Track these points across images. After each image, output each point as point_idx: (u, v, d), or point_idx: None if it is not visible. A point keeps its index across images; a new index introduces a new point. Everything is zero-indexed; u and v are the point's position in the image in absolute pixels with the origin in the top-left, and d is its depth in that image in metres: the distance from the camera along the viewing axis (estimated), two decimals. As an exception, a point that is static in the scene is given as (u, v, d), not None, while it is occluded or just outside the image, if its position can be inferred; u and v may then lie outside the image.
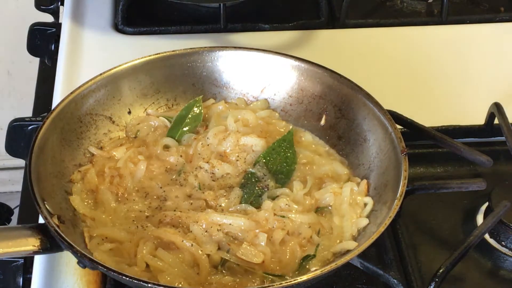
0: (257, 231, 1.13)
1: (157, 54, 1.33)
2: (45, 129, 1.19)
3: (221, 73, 1.35)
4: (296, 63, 1.33)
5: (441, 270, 1.11)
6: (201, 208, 1.18)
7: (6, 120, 1.59)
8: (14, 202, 2.31)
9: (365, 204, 1.18)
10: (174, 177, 1.23)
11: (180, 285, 1.07)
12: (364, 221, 1.16)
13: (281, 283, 1.02)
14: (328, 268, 1.04)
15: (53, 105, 1.46)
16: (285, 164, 1.25)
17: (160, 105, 1.34)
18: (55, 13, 1.89)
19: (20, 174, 1.95)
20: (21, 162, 1.68)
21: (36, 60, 1.86)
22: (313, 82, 1.32)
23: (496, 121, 1.35)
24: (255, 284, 1.08)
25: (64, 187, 1.19)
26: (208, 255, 1.11)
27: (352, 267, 1.14)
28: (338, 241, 1.14)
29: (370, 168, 1.23)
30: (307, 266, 1.11)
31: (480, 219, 1.26)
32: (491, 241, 1.23)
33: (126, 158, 1.24)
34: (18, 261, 1.28)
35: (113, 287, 1.14)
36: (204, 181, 1.22)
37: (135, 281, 1.01)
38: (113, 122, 1.30)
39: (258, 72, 1.35)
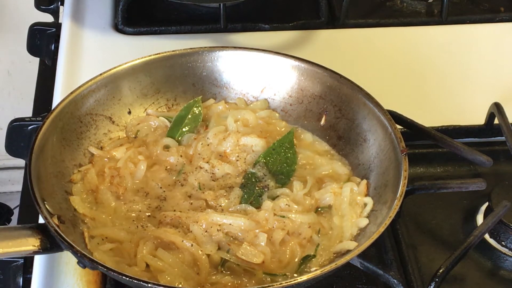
0: (257, 231, 1.13)
1: (157, 54, 1.33)
2: (45, 129, 1.19)
3: (221, 73, 1.35)
4: (296, 63, 1.33)
5: (441, 270, 1.12)
6: (201, 208, 1.18)
7: (6, 120, 1.59)
8: (14, 202, 2.31)
9: (365, 204, 1.18)
10: (174, 177, 1.23)
11: (180, 285, 1.07)
12: (364, 221, 1.16)
13: (281, 283, 1.02)
14: (328, 268, 1.04)
15: (53, 105, 1.46)
16: (285, 164, 1.25)
17: (160, 105, 1.34)
18: (55, 13, 1.89)
19: (20, 174, 1.96)
20: (21, 162, 1.68)
21: (36, 60, 1.86)
22: (313, 82, 1.32)
23: (496, 121, 1.35)
24: (255, 284, 1.08)
25: (64, 187, 1.19)
26: (208, 255, 1.11)
27: (352, 267, 1.14)
28: (338, 241, 1.14)
29: (370, 168, 1.23)
30: (307, 266, 1.11)
31: (480, 219, 1.26)
32: (491, 241, 1.23)
33: (126, 158, 1.24)
34: (18, 261, 1.28)
35: (113, 287, 1.14)
36: (204, 181, 1.22)
37: (135, 281, 1.01)
38: (113, 122, 1.30)
39: (258, 72, 1.35)
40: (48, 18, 1.89)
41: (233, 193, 1.20)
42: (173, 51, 1.34)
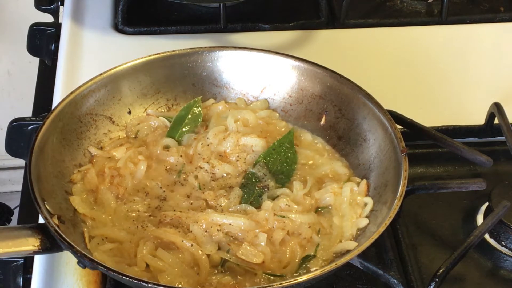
0: (257, 231, 1.13)
1: (157, 54, 1.33)
2: (45, 129, 1.19)
3: (221, 73, 1.35)
4: (296, 63, 1.33)
5: (441, 270, 1.11)
6: (201, 208, 1.18)
7: (6, 120, 1.59)
8: (14, 202, 2.31)
9: (365, 204, 1.18)
10: (174, 177, 1.23)
11: (180, 285, 1.07)
12: (364, 221, 1.16)
13: (281, 283, 1.02)
14: (328, 268, 1.04)
15: (53, 105, 1.46)
16: (285, 164, 1.25)
17: (160, 105, 1.34)
18: (55, 13, 1.89)
19: (20, 174, 1.95)
20: (21, 162, 1.68)
21: (36, 60, 1.86)
22: (313, 82, 1.32)
23: (496, 121, 1.35)
24: (255, 284, 1.08)
25: (64, 187, 1.19)
26: (208, 255, 1.11)
27: (352, 267, 1.14)
28: (338, 241, 1.14)
29: (370, 168, 1.23)
30: (307, 266, 1.11)
31: (480, 219, 1.26)
32: (491, 241, 1.23)
33: (126, 158, 1.24)
34: (18, 261, 1.28)
35: (113, 287, 1.14)
36: (204, 181, 1.22)
37: (135, 281, 1.01)
38: (113, 122, 1.30)
39: (258, 72, 1.35)
40: (48, 18, 1.89)
41: (233, 193, 1.20)
42: (173, 51, 1.34)
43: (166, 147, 1.28)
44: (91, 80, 1.27)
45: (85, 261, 1.04)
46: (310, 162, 1.26)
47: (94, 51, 1.59)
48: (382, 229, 1.07)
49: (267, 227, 1.14)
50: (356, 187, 1.20)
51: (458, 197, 1.29)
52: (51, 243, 1.07)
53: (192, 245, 1.11)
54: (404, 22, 1.69)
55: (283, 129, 1.32)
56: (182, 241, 1.11)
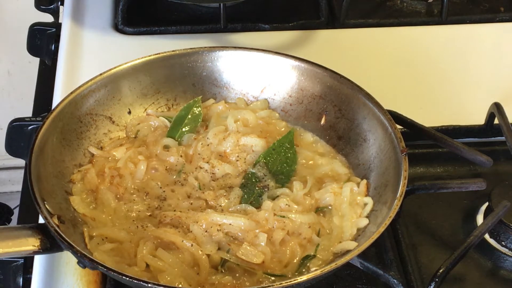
0: (257, 231, 1.13)
1: (157, 54, 1.33)
2: (45, 129, 1.19)
3: (221, 73, 1.35)
4: (296, 63, 1.33)
5: (441, 270, 1.11)
6: (201, 208, 1.18)
7: (6, 120, 1.59)
8: (14, 202, 2.31)
9: (365, 204, 1.18)
10: (174, 177, 1.23)
11: (180, 285, 1.07)
12: (364, 221, 1.16)
13: (281, 283, 1.02)
14: (328, 268, 1.04)
15: (53, 105, 1.46)
16: (285, 164, 1.25)
17: (160, 105, 1.34)
18: (55, 13, 1.89)
19: (20, 174, 1.95)
20: (21, 162, 1.68)
21: (36, 60, 1.86)
22: (313, 82, 1.32)
23: (496, 121, 1.35)
24: (255, 284, 1.08)
25: (64, 187, 1.19)
26: (208, 255, 1.11)
27: (352, 267, 1.14)
28: (338, 241, 1.14)
29: (370, 168, 1.23)
30: (307, 266, 1.11)
31: (480, 219, 1.26)
32: (491, 241, 1.23)
33: (126, 158, 1.24)
34: (18, 261, 1.28)
35: (113, 287, 1.14)
36: (204, 181, 1.22)
37: (135, 281, 1.01)
38: (113, 122, 1.30)
39: (258, 72, 1.35)
40: (48, 18, 1.90)
41: (233, 193, 1.20)
42: (173, 51, 1.34)
43: (166, 147, 1.28)
44: (91, 80, 1.27)
45: (85, 261, 1.04)
46: (310, 162, 1.26)
47: (94, 51, 1.59)
48: (382, 229, 1.07)
49: (267, 227, 1.14)
50: (356, 187, 1.20)
51: (458, 197, 1.29)
52: (51, 243, 1.07)
53: (192, 245, 1.11)
54: (404, 22, 1.69)
55: (283, 129, 1.32)
56: (182, 241, 1.11)
